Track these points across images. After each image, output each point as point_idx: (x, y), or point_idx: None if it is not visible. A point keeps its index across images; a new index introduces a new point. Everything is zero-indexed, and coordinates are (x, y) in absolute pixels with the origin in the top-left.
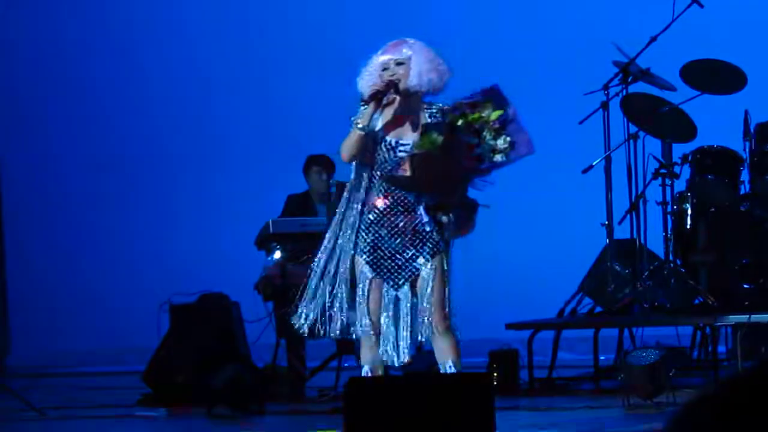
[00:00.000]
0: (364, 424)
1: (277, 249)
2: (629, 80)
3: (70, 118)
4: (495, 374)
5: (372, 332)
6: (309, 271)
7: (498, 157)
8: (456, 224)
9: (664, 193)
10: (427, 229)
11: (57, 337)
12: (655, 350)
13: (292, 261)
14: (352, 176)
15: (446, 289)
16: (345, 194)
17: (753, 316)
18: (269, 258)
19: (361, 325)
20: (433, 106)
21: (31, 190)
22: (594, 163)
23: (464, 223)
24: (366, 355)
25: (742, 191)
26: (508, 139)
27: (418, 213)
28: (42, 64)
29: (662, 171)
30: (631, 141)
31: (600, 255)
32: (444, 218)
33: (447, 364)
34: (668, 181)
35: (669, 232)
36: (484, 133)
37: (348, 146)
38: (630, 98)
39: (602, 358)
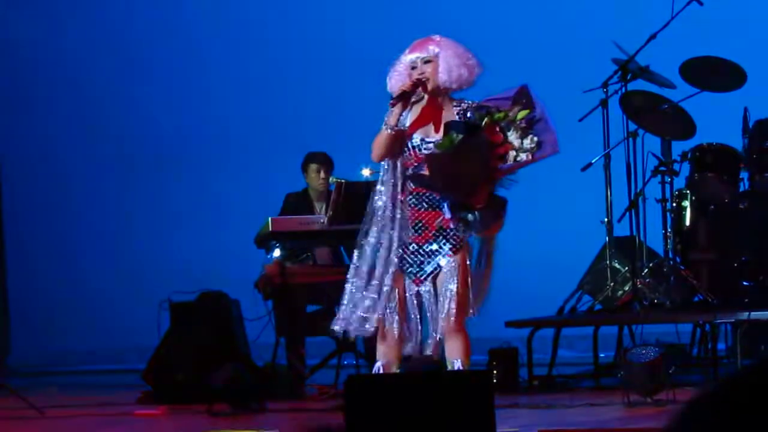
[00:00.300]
0: (364, 422)
1: (277, 247)
2: (628, 78)
3: (70, 117)
4: (495, 372)
5: (396, 329)
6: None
7: (522, 156)
8: (482, 222)
9: (663, 190)
10: (451, 225)
11: (57, 336)
12: (654, 348)
13: (291, 259)
14: (382, 174)
15: (466, 288)
16: (374, 193)
17: (753, 313)
18: (269, 256)
19: (387, 321)
20: (462, 104)
21: (31, 189)
22: (593, 161)
23: (490, 222)
24: (382, 351)
25: (742, 188)
26: (535, 138)
27: (443, 210)
28: (41, 62)
29: (662, 168)
30: (631, 138)
31: (599, 252)
32: (469, 216)
33: (455, 363)
34: (668, 179)
35: (668, 230)
36: (510, 132)
37: (377, 145)
38: (629, 96)
39: (602, 355)
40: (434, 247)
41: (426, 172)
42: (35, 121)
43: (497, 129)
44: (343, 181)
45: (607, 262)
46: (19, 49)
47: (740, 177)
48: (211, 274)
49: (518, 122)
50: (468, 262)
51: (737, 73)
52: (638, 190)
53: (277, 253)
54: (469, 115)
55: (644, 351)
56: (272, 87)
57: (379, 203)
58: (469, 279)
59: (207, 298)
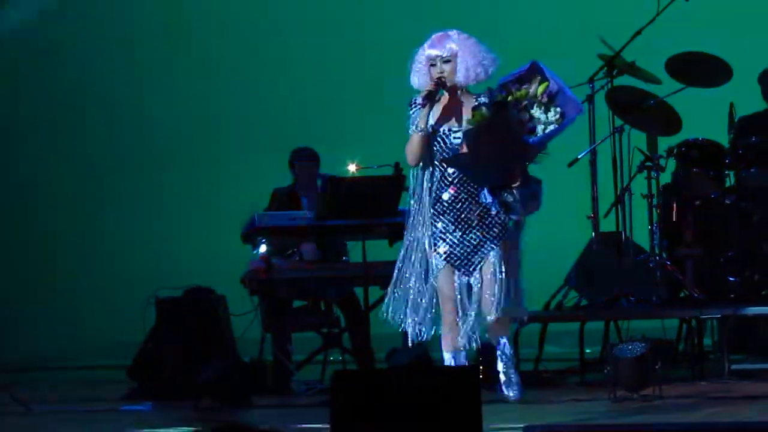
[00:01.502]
0: (350, 417)
1: (263, 243)
2: (614, 73)
3: (55, 115)
4: (482, 368)
5: (449, 317)
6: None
7: (550, 128)
8: (522, 203)
9: (649, 185)
10: (492, 212)
11: (43, 331)
12: (641, 343)
13: (278, 254)
14: (416, 173)
15: (509, 276)
16: (411, 191)
17: (739, 308)
18: (255, 251)
19: (438, 312)
20: (481, 96)
21: (17, 185)
22: (579, 156)
23: (530, 202)
24: (447, 342)
25: (728, 184)
26: (558, 109)
27: (482, 197)
28: (25, 58)
29: (648, 164)
30: (617, 134)
31: (586, 248)
32: (509, 197)
33: (502, 341)
34: (654, 174)
35: (654, 225)
36: (534, 109)
37: (412, 150)
38: (615, 91)
39: (588, 351)
40: (479, 237)
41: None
42: (20, 119)
43: (522, 106)
44: (330, 176)
45: (594, 257)
46: (5, 47)
47: (726, 172)
48: (198, 269)
49: (540, 97)
50: (512, 249)
51: (723, 68)
52: (624, 186)
53: (263, 248)
54: (492, 95)
55: (631, 346)
56: (259, 83)
57: (412, 204)
58: (512, 265)
59: (193, 293)
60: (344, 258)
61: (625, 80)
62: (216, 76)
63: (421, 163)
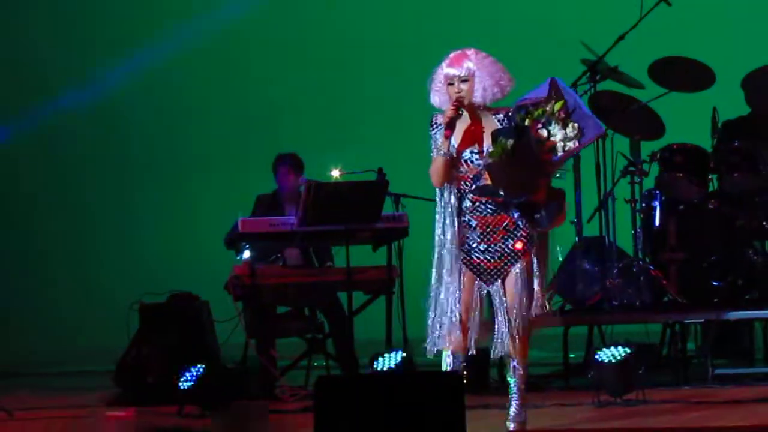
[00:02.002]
0: (334, 423)
1: (247, 248)
2: (597, 78)
3: (35, 119)
4: (465, 373)
5: (460, 324)
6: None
7: (570, 145)
8: (549, 217)
9: (632, 190)
10: (520, 224)
11: (26, 338)
12: (624, 347)
13: (261, 260)
14: (438, 201)
15: (532, 291)
16: (438, 207)
17: (722, 313)
18: (239, 257)
19: (450, 317)
20: (500, 111)
21: (4, 192)
22: None
23: (555, 215)
24: (449, 340)
25: (711, 188)
26: (576, 125)
27: (509, 211)
28: (9, 60)
29: (631, 169)
30: (600, 139)
31: (569, 253)
32: (536, 215)
33: (512, 362)
34: (637, 179)
35: (638, 230)
36: (552, 126)
37: (436, 173)
38: (598, 96)
39: (572, 355)
40: (503, 249)
41: (486, 181)
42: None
43: (540, 125)
44: (312, 182)
45: (577, 262)
46: None
47: (709, 177)
48: (181, 275)
49: (557, 114)
50: (535, 265)
51: (706, 73)
52: (608, 191)
53: (246, 254)
54: (512, 119)
55: (614, 351)
56: (244, 89)
57: (439, 230)
58: (536, 281)
59: (177, 299)
60: (328, 263)
61: (608, 85)
62: (198, 83)
63: (440, 191)
